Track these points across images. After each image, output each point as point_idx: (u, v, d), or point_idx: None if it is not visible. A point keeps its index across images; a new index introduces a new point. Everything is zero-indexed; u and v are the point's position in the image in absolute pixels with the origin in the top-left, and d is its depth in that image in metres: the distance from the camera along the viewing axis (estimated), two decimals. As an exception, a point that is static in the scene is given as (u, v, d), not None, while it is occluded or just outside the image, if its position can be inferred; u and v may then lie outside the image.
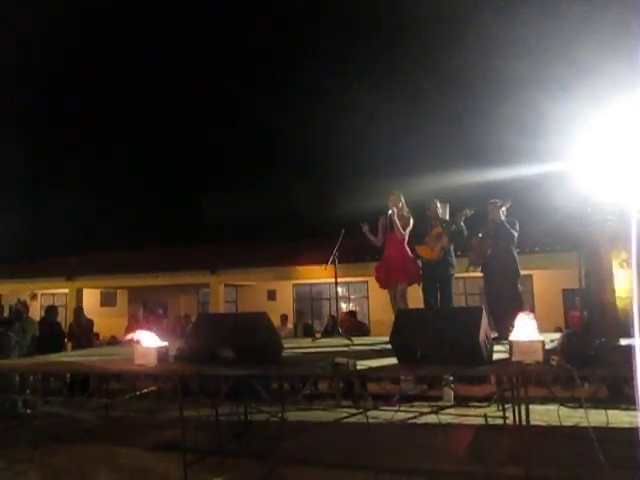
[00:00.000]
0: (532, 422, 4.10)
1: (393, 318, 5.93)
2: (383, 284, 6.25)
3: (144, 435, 5.95)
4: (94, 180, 20.71)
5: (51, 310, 9.52)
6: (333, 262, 6.57)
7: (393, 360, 4.23)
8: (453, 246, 6.37)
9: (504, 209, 6.01)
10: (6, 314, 8.55)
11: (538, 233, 10.88)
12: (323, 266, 6.72)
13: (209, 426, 5.42)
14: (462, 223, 6.20)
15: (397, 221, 6.04)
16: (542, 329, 4.14)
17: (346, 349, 5.57)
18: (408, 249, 6.12)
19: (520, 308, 5.84)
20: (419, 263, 6.25)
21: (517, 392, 4.39)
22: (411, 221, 6.14)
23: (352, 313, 10.98)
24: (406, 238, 6.12)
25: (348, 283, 14.71)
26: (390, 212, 6.06)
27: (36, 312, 16.29)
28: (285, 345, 4.97)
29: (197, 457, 4.44)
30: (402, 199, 6.21)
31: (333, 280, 6.87)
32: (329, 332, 9.44)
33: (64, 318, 13.28)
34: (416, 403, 6.28)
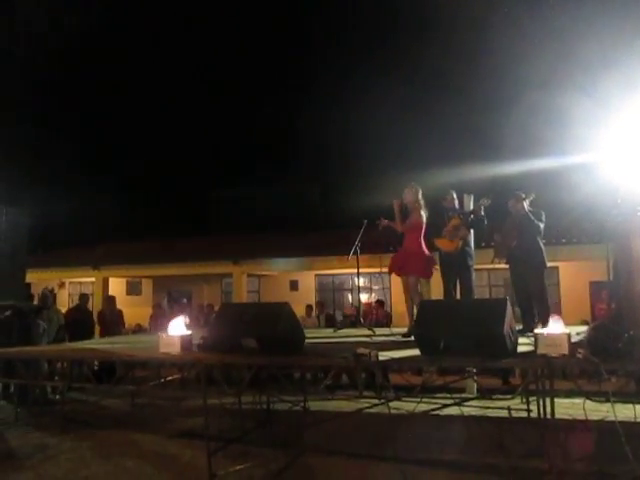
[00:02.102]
0: (557, 416, 4.05)
1: (406, 309, 5.97)
2: (390, 269, 6.13)
3: (169, 422, 6.05)
4: (121, 172, 21.02)
5: (83, 297, 9.95)
6: (355, 253, 6.55)
7: (415, 351, 4.21)
8: (473, 237, 6.28)
9: (528, 201, 5.91)
10: (35, 302, 8.75)
11: (565, 224, 10.69)
12: (345, 257, 6.71)
13: (232, 414, 5.48)
14: (482, 212, 6.12)
15: (397, 212, 5.92)
16: (568, 322, 4.07)
17: (368, 340, 5.57)
18: (423, 243, 5.87)
19: (546, 300, 5.77)
20: (435, 255, 6.15)
21: (542, 385, 4.34)
22: (421, 214, 5.84)
23: (381, 302, 11.00)
24: (420, 231, 5.86)
25: (370, 274, 14.68)
26: (395, 201, 5.95)
27: (64, 300, 16.67)
28: (307, 335, 4.99)
29: (220, 445, 4.49)
30: (415, 192, 5.93)
31: (355, 271, 6.86)
32: (352, 323, 9.47)
33: (91, 306, 13.52)
34: (439, 394, 6.24)
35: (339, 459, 4.68)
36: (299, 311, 8.66)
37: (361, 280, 14.15)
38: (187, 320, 4.82)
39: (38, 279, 14.79)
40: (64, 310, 9.94)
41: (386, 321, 10.10)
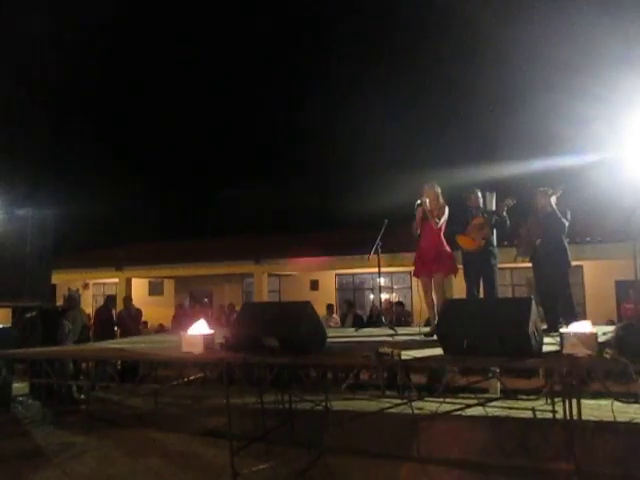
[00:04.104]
0: (583, 417, 3.98)
1: (426, 308, 5.90)
2: (416, 272, 6.01)
3: (191, 421, 6.09)
4: (144, 174, 21.27)
5: (110, 299, 10.27)
6: (376, 252, 6.52)
7: (438, 351, 4.16)
8: (496, 236, 6.20)
9: (554, 198, 5.80)
10: (60, 303, 8.89)
11: (589, 222, 10.51)
12: (366, 256, 6.68)
13: (254, 414, 5.49)
14: (505, 213, 6.04)
15: (428, 211, 5.80)
16: (593, 322, 3.99)
17: (390, 339, 5.54)
18: (444, 240, 5.86)
19: (571, 300, 5.67)
20: (456, 254, 6.08)
21: (568, 386, 4.26)
22: (446, 211, 5.84)
23: (400, 304, 11.00)
24: (442, 228, 5.90)
25: (391, 273, 14.62)
26: (418, 202, 5.89)
27: (88, 301, 16.93)
28: (329, 334, 4.98)
29: (243, 444, 4.51)
30: (437, 190, 5.90)
31: (376, 270, 6.83)
32: (373, 322, 9.44)
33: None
34: (462, 395, 6.18)
35: (361, 459, 4.66)
36: (319, 311, 8.68)
37: (382, 279, 14.11)
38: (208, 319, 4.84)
39: (62, 280, 15.03)
40: (89, 310, 10.11)
41: (405, 320, 10.09)
